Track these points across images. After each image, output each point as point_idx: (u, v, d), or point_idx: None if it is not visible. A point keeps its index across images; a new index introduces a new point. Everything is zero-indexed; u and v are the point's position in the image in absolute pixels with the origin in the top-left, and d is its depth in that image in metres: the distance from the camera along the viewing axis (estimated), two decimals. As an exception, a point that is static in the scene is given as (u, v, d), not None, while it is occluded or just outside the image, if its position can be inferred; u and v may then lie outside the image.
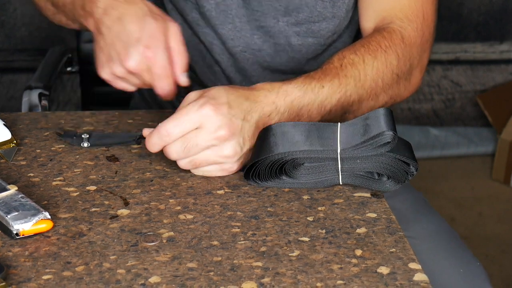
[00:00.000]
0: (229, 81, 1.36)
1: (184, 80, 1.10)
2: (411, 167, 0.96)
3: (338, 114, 1.09)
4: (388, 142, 0.94)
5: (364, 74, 1.10)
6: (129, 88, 1.13)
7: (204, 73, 1.39)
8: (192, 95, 1.03)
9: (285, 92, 1.03)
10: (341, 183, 0.98)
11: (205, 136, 0.98)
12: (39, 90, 1.43)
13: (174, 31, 1.10)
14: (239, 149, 1.00)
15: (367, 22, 1.24)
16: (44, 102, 1.45)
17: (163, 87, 1.09)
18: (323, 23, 1.28)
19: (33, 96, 1.42)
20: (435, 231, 1.26)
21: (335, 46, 1.34)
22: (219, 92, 1.01)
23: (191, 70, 1.13)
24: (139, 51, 1.07)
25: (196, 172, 1.02)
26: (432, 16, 1.22)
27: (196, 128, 0.98)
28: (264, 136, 0.99)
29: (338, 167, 0.96)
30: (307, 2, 1.26)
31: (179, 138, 0.99)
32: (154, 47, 1.07)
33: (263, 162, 0.97)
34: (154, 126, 1.15)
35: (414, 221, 1.24)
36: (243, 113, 1.00)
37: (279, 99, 1.03)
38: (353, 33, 1.36)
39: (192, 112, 0.99)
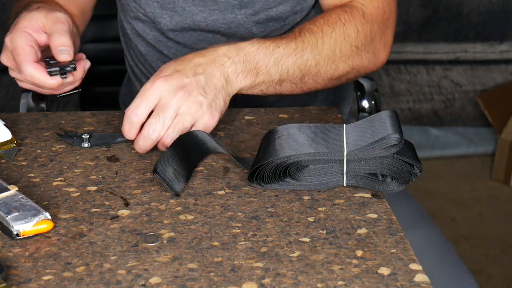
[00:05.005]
0: None
1: (62, 56, 1.09)
2: (415, 168, 0.96)
3: (297, 76, 1.17)
4: (395, 145, 0.94)
5: (322, 43, 1.17)
6: (33, 88, 1.13)
7: None
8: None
9: (237, 46, 1.12)
10: (345, 185, 0.98)
11: (170, 102, 1.04)
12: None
13: (52, 17, 1.11)
14: (203, 98, 1.05)
15: (328, 2, 1.29)
16: (42, 104, 1.44)
17: (26, 71, 1.08)
18: (280, 7, 1.31)
19: (30, 99, 1.42)
20: (429, 245, 1.26)
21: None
22: (166, 66, 1.09)
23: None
24: (5, 41, 1.11)
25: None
26: None
27: (158, 102, 1.04)
28: (269, 138, 0.99)
29: (344, 169, 0.96)
30: None
31: (151, 116, 1.04)
32: (10, 33, 1.11)
33: (268, 165, 0.97)
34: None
35: (408, 233, 1.24)
36: (191, 70, 1.07)
37: (230, 52, 1.11)
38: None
39: (147, 89, 1.05)
